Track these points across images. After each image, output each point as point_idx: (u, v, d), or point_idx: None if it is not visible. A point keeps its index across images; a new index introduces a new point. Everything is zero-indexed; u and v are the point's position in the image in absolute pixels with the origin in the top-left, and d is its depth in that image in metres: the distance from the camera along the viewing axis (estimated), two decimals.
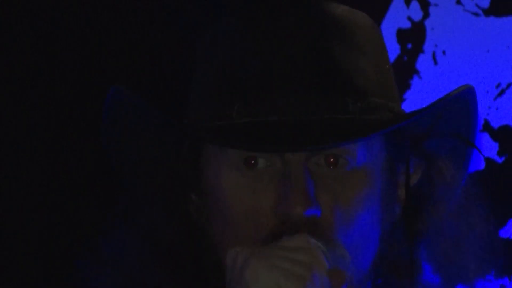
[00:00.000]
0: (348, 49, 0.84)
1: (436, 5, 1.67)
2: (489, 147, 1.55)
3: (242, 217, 0.83)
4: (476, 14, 1.64)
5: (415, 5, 1.69)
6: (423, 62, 1.69)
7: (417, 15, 1.68)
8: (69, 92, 1.39)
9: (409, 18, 1.69)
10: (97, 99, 1.08)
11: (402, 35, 1.70)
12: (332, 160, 0.82)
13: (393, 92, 0.89)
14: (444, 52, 1.67)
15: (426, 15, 1.68)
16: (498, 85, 1.59)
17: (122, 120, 0.89)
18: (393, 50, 1.65)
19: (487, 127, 1.58)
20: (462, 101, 0.86)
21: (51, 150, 1.39)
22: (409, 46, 1.69)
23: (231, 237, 0.84)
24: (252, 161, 0.83)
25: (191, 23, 1.22)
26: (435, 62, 1.68)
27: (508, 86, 1.58)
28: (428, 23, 1.68)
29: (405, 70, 1.68)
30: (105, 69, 1.32)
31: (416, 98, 1.68)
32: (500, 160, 1.55)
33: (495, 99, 1.59)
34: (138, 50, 1.28)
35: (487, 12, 1.62)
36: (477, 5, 1.64)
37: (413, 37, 1.69)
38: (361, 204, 0.83)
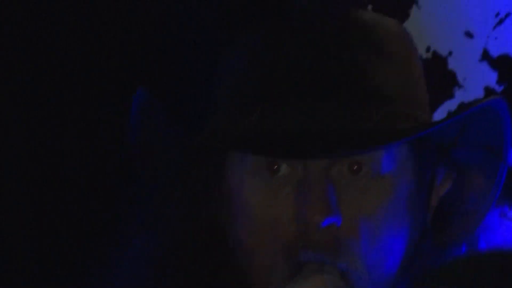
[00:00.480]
0: (374, 56, 0.83)
1: None
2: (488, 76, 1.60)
3: (262, 224, 0.83)
4: None
5: None
6: None
7: None
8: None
9: None
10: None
11: None
12: (355, 168, 0.82)
13: (421, 100, 0.88)
14: None
15: None
16: (497, 15, 1.60)
17: (147, 123, 0.88)
18: None
19: (486, 56, 1.61)
20: (492, 111, 0.83)
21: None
22: None
23: (250, 245, 0.84)
24: (275, 167, 0.82)
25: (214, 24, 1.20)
26: None
27: (507, 15, 1.60)
28: None
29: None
30: (117, 70, 1.31)
31: (415, 24, 1.68)
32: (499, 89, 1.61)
33: (494, 28, 1.61)
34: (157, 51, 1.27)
35: None
36: None
37: None
38: (385, 213, 0.82)
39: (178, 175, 0.88)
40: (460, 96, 1.57)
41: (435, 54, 1.58)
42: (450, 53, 1.59)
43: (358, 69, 0.82)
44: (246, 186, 0.84)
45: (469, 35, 1.59)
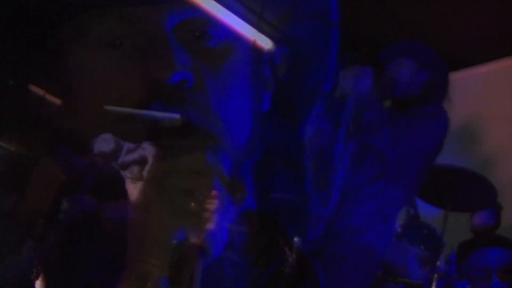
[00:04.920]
0: None
1: None
2: None
3: (110, 96, 0.79)
4: None
5: None
6: None
7: None
8: None
9: None
10: None
11: None
12: (197, 33, 0.82)
13: None
14: None
15: None
16: None
17: None
18: None
19: None
20: None
21: None
22: None
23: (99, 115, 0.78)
24: (117, 42, 0.81)
25: None
26: None
27: None
28: None
29: None
30: None
31: None
32: None
33: None
34: None
35: None
36: None
37: None
38: (232, 77, 0.83)
39: None
40: None
41: None
42: None
43: None
44: (90, 63, 0.82)
45: None
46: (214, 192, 0.70)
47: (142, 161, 0.75)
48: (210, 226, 0.69)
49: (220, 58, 0.82)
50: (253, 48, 0.85)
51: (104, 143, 0.76)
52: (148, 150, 0.75)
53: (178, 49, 0.78)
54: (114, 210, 0.75)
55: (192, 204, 0.70)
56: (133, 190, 0.73)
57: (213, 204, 0.70)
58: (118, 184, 0.75)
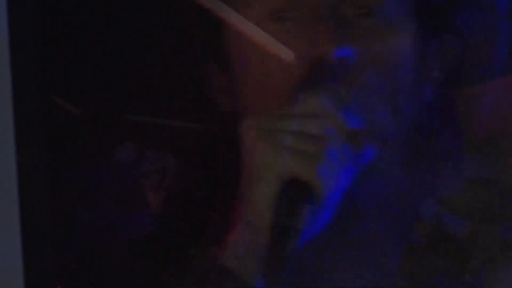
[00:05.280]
0: None
1: None
2: None
3: (269, 70, 0.79)
4: None
5: None
6: None
7: None
8: None
9: None
10: None
11: None
12: (363, 11, 0.79)
13: None
14: None
15: None
16: None
17: None
18: None
19: None
20: None
21: None
22: None
23: (257, 97, 0.80)
24: (280, 15, 0.79)
25: None
26: None
27: None
28: None
29: None
30: None
31: None
32: None
33: None
34: None
35: None
36: None
37: None
38: (393, 58, 0.80)
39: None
40: None
41: None
42: None
43: None
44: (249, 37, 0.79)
45: None
46: (328, 135, 0.69)
47: (162, 171, 0.74)
48: (322, 167, 0.67)
49: (385, 37, 0.80)
50: (418, 35, 0.82)
51: (125, 152, 0.75)
52: (168, 160, 0.73)
53: (341, 24, 0.77)
54: None
55: (304, 145, 0.68)
56: (153, 199, 0.73)
57: (326, 147, 0.68)
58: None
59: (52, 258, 0.73)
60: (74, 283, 0.81)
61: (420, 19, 0.82)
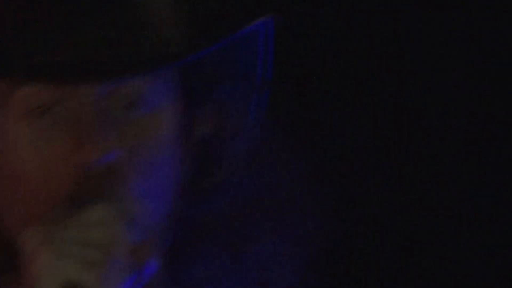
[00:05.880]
0: None
1: None
2: None
3: (37, 175, 0.73)
4: None
5: None
6: None
7: None
8: None
9: None
10: None
11: None
12: (124, 103, 0.75)
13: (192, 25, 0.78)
14: None
15: None
16: None
17: None
18: None
19: None
20: (256, 35, 0.78)
21: None
22: None
23: (25, 208, 0.74)
24: (45, 108, 0.73)
25: None
26: None
27: None
28: None
29: None
30: None
31: None
32: None
33: None
34: None
35: None
36: None
37: None
38: (157, 152, 0.77)
39: None
40: None
41: None
42: None
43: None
44: (12, 132, 0.75)
45: None
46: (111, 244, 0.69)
47: None
48: (104, 275, 0.68)
49: (149, 130, 0.76)
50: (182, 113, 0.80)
51: None
52: None
53: (105, 126, 0.73)
54: None
55: (87, 253, 0.68)
56: None
57: (109, 255, 0.68)
58: None
59: None
60: None
61: (185, 96, 0.80)
